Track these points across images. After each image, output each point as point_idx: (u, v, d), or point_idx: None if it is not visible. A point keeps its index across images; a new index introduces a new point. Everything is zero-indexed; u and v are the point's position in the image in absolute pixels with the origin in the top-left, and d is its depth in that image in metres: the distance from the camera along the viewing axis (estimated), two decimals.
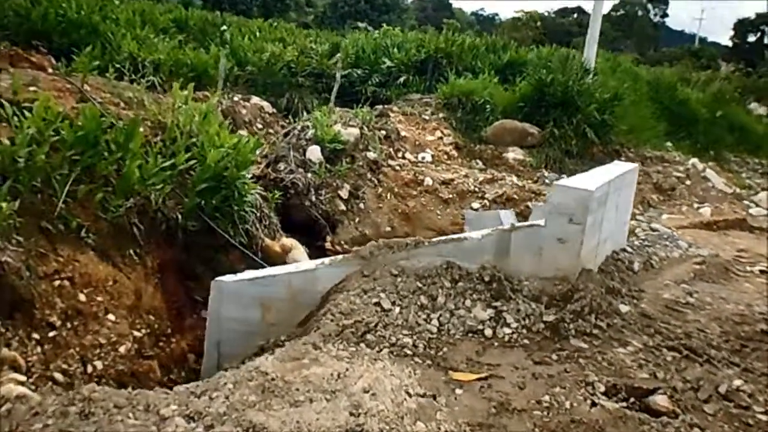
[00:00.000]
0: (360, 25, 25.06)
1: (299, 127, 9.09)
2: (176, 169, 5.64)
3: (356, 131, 9.04)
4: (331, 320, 3.51)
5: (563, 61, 12.15)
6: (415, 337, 3.51)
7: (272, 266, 6.63)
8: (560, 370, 3.33)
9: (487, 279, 3.94)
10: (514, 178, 9.78)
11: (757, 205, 9.51)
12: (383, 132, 9.90)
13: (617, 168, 5.32)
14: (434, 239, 4.07)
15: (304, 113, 13.14)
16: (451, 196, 9.13)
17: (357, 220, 8.29)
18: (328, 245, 7.84)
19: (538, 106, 11.46)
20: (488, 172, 10.11)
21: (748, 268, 5.99)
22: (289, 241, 6.83)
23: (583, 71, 11.70)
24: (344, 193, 8.34)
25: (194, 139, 6.22)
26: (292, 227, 7.58)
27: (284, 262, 6.63)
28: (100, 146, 4.96)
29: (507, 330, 3.67)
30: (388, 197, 8.77)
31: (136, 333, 4.68)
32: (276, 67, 12.83)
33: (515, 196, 9.27)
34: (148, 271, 5.22)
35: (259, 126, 10.45)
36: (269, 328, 4.05)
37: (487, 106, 11.51)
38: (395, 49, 14.84)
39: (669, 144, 13.92)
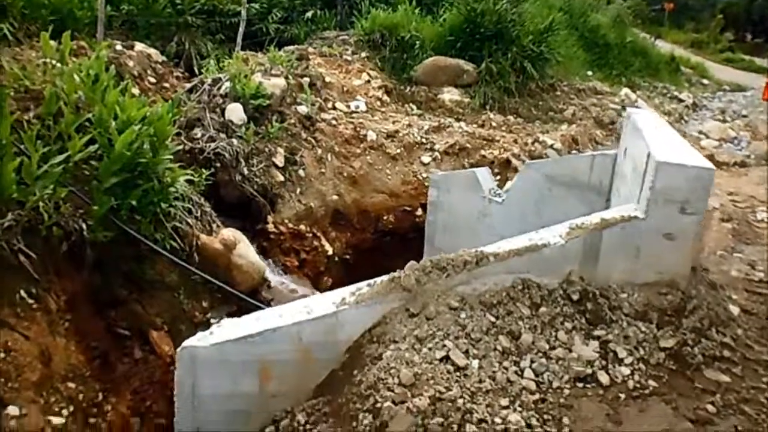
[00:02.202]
0: None
1: (209, 81, 7.31)
2: (70, 161, 3.92)
3: (281, 82, 7.43)
4: (393, 401, 2.27)
5: None
6: (518, 407, 2.39)
7: (212, 267, 5.16)
8: (728, 426, 2.39)
9: (575, 297, 2.87)
10: (463, 125, 8.72)
11: (707, 137, 9.23)
12: (307, 79, 8.32)
13: (656, 120, 4.39)
14: (500, 249, 2.88)
15: (198, 59, 11.16)
16: (398, 150, 7.92)
17: (298, 191, 6.87)
18: (270, 226, 6.39)
19: (470, 40, 10.34)
20: (432, 119, 8.94)
21: (759, 217, 5.43)
22: (230, 234, 5.34)
23: None
24: (279, 160, 6.83)
25: (86, 113, 4.46)
26: (224, 209, 6.03)
27: (230, 263, 5.19)
28: None
29: (623, 369, 2.65)
30: (330, 159, 7.39)
31: (55, 419, 3.14)
32: (158, 5, 10.53)
33: (468, 145, 8.25)
34: (53, 317, 3.61)
35: (152, 80, 8.39)
36: (271, 401, 2.75)
37: (416, 42, 10.17)
38: None
39: (590, 73, 13.51)
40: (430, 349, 2.56)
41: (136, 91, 7.11)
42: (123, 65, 7.76)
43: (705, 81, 21.07)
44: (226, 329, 2.72)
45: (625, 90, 11.80)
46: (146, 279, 4.61)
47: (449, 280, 2.80)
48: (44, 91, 4.38)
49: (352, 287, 2.87)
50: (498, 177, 7.54)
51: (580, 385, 2.59)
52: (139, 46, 9.16)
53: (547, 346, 2.67)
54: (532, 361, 2.61)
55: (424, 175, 7.82)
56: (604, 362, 2.67)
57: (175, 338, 4.75)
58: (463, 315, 2.73)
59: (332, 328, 2.72)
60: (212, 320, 5.05)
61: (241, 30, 9.63)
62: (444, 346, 2.58)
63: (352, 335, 2.77)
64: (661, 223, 2.88)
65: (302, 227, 6.62)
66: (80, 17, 8.80)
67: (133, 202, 4.20)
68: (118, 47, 8.08)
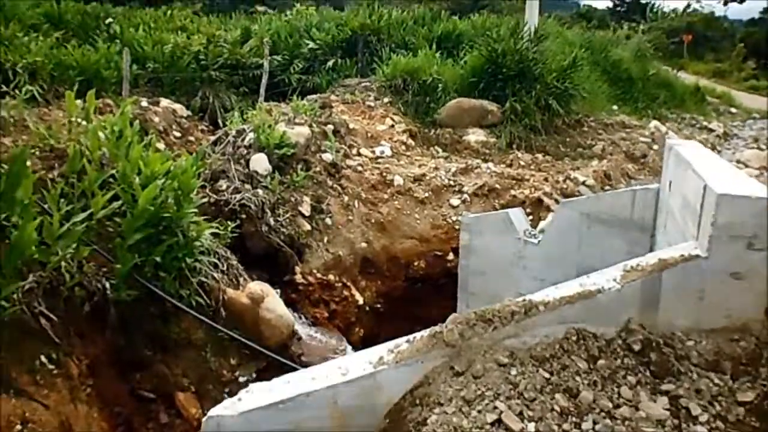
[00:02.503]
0: (259, 8, 22.80)
1: (233, 132, 7.29)
2: (93, 219, 3.82)
3: (306, 130, 7.38)
4: None
5: (513, 28, 10.99)
6: None
7: (240, 323, 4.97)
8: None
9: (637, 347, 2.59)
10: (491, 165, 8.53)
11: (747, 165, 8.89)
12: (331, 127, 8.27)
13: (702, 150, 4.14)
14: (549, 297, 2.63)
15: (222, 112, 11.31)
16: (426, 194, 7.74)
17: (326, 239, 6.70)
18: (298, 277, 6.21)
19: (493, 80, 10.27)
20: (459, 161, 8.79)
21: None
22: (257, 287, 5.16)
23: (536, 38, 10.60)
24: (306, 209, 6.70)
25: (110, 170, 4.40)
26: (250, 262, 5.88)
27: (257, 317, 4.99)
28: None
29: (699, 429, 2.33)
30: (357, 206, 7.24)
31: None
32: (182, 62, 10.76)
33: (497, 186, 8.03)
34: (75, 383, 3.43)
35: (177, 134, 8.48)
36: None
37: (438, 85, 10.14)
38: (315, 30, 13.10)
39: (615, 107, 13.30)
40: (479, 411, 2.30)
41: (161, 145, 7.14)
42: (148, 121, 7.85)
43: (733, 110, 20.64)
44: (255, 395, 2.50)
45: (654, 122, 11.54)
46: (171, 338, 4.43)
47: (496, 334, 2.55)
48: (68, 149, 4.34)
49: (390, 344, 2.64)
50: (530, 217, 7.27)
51: None
52: (165, 102, 9.31)
53: (610, 405, 2.38)
54: (594, 423, 2.32)
55: (454, 218, 7.61)
56: (676, 421, 2.37)
57: (202, 399, 4.54)
58: (513, 372, 2.47)
59: (370, 391, 2.48)
60: (240, 378, 4.83)
61: (263, 81, 9.74)
62: (495, 407, 2.31)
63: (392, 398, 2.52)
64: (726, 262, 2.60)
65: (331, 277, 6.43)
66: (107, 77, 9.01)
67: (158, 259, 4.07)
68: (144, 104, 8.20)
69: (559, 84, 10.10)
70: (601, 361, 2.55)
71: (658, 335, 2.63)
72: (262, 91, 9.89)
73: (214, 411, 2.44)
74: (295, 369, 4.87)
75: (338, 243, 6.78)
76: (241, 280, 5.16)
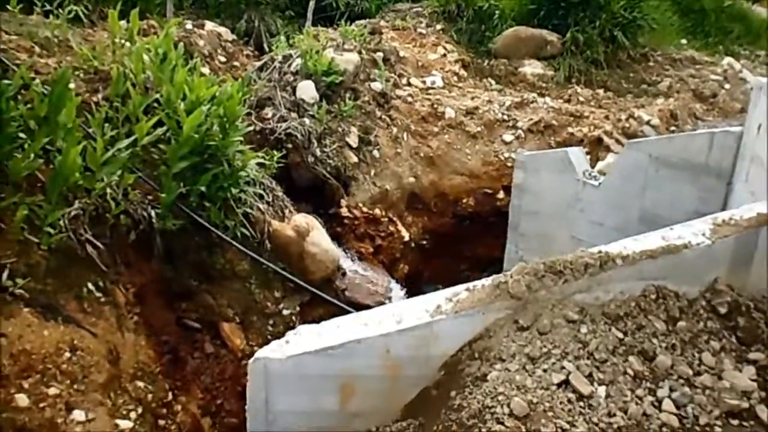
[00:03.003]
0: None
1: (279, 58, 7.00)
2: (137, 145, 3.69)
3: (355, 57, 7.02)
4: None
5: None
6: None
7: (285, 255, 4.88)
8: None
9: (723, 310, 2.34)
10: (547, 100, 8.04)
11: None
12: (380, 54, 7.87)
13: None
14: (627, 249, 2.38)
15: (268, 37, 10.94)
16: (478, 129, 7.37)
17: (373, 172, 6.49)
18: (344, 211, 6.07)
19: (554, 8, 9.54)
20: (514, 95, 8.31)
21: None
22: (302, 220, 5.04)
23: None
24: (353, 140, 6.47)
25: (155, 94, 4.23)
26: (295, 193, 5.74)
27: (303, 251, 4.88)
28: (8, 128, 2.97)
29: None
30: (406, 138, 6.95)
31: (122, 422, 2.93)
32: None
33: (553, 122, 7.58)
34: (122, 311, 3.40)
35: (222, 59, 8.23)
36: (353, 421, 2.40)
37: (495, 12, 9.49)
38: None
39: (684, 42, 12.31)
40: (545, 371, 2.12)
41: (205, 70, 6.91)
42: (193, 44, 7.59)
43: None
44: (304, 338, 2.38)
45: (728, 59, 10.62)
46: (216, 269, 4.37)
47: (566, 287, 2.33)
48: (112, 71, 4.17)
49: (448, 292, 2.45)
50: (589, 157, 6.86)
51: (735, 422, 2.08)
52: (209, 25, 9.00)
53: (689, 371, 2.17)
54: (671, 390, 2.12)
55: (507, 155, 7.27)
56: (763, 393, 2.14)
57: (246, 330, 4.53)
58: (583, 329, 2.26)
59: (425, 341, 2.32)
60: (284, 311, 4.79)
61: (311, 5, 9.29)
62: (562, 368, 2.13)
63: (449, 349, 2.36)
64: None
65: (377, 211, 6.26)
66: None
67: (203, 188, 3.94)
68: (188, 26, 7.93)
69: (627, 13, 9.31)
70: (681, 323, 2.31)
71: (747, 298, 2.37)
72: (309, 14, 9.46)
73: (261, 353, 2.34)
74: (338, 306, 4.83)
75: (385, 176, 6.57)
76: (286, 212, 5.03)
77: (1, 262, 2.80)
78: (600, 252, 2.36)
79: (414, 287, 6.06)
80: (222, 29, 9.19)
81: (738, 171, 4.33)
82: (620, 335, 2.27)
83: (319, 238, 5.06)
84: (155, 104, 4.20)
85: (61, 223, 3.18)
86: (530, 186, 6.08)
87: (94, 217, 3.47)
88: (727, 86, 9.76)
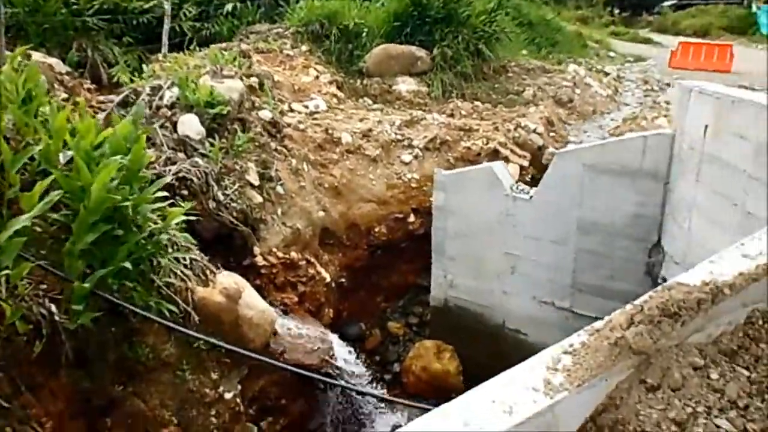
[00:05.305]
0: None
1: (147, 89, 5.95)
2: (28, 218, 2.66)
3: (238, 84, 6.21)
4: None
5: None
6: None
7: (217, 326, 3.96)
8: None
9: None
10: (436, 116, 7.89)
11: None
12: (254, 80, 7.12)
13: (738, 90, 3.79)
14: (724, 275, 2.06)
15: (106, 67, 9.54)
16: (377, 152, 6.96)
17: (280, 211, 5.74)
18: (259, 259, 5.25)
19: (419, 24, 9.54)
20: (399, 113, 8.06)
21: None
22: (229, 280, 4.20)
23: None
24: (254, 178, 5.66)
25: (26, 148, 3.19)
26: (201, 247, 4.80)
27: (237, 317, 4.05)
28: None
29: None
30: (306, 169, 6.31)
31: None
32: (50, 6, 8.79)
33: (447, 138, 7.44)
34: None
35: (63, 95, 6.84)
36: None
37: (362, 30, 9.22)
38: None
39: (524, 52, 13.16)
40: None
41: (45, 109, 5.65)
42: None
43: (612, 54, 21.66)
44: None
45: (573, 66, 11.54)
46: (141, 362, 3.39)
47: (683, 330, 1.97)
48: None
49: (545, 360, 1.94)
50: None
51: None
52: (36, 56, 7.50)
53: None
54: None
55: (409, 176, 6.95)
56: None
57: (187, 430, 3.59)
58: (714, 375, 1.92)
59: (546, 430, 1.79)
60: (226, 395, 3.91)
61: (166, 27, 8.21)
62: (718, 427, 1.75)
63: (570, 429, 1.86)
64: None
65: (293, 254, 5.53)
66: None
67: (127, 264, 2.98)
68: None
69: (487, 27, 9.60)
70: None
71: None
72: (164, 38, 8.33)
73: None
74: (289, 371, 4.06)
75: (294, 214, 5.86)
76: (209, 275, 4.13)
77: None
78: (709, 284, 2.04)
79: (335, 330, 5.44)
80: (52, 60, 7.68)
81: (678, 172, 4.40)
82: (746, 372, 1.96)
83: (253, 299, 4.26)
84: (30, 162, 3.15)
85: None
86: (453, 206, 5.80)
87: None
88: (578, 91, 10.51)
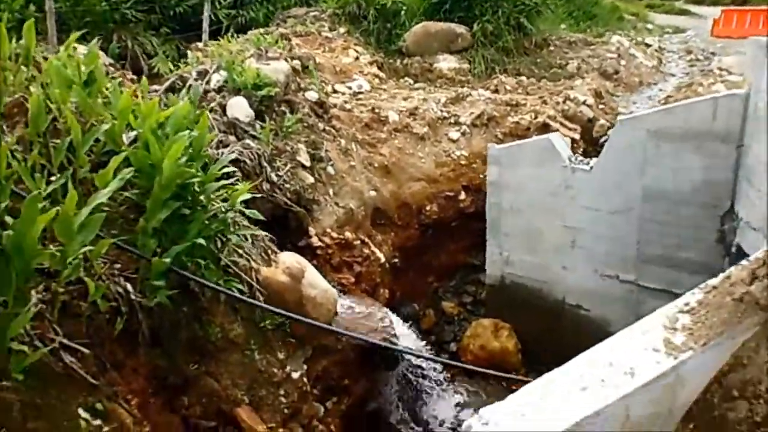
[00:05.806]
0: None
1: (193, 75, 5.93)
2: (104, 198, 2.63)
3: (284, 66, 6.15)
4: None
5: None
6: None
7: (281, 305, 3.93)
8: None
9: None
10: (482, 92, 7.71)
11: (730, 72, 8.65)
12: (297, 62, 7.05)
13: None
14: None
15: (145, 58, 9.63)
16: (424, 129, 6.83)
17: (332, 192, 5.68)
18: (314, 240, 5.20)
19: (457, 0, 9.31)
20: (443, 91, 7.91)
21: None
22: (292, 260, 4.16)
23: None
24: (305, 159, 5.61)
25: (101, 127, 3.18)
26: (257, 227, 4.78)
27: (301, 296, 4.00)
28: None
29: None
30: (355, 149, 6.23)
31: None
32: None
33: (495, 114, 7.26)
34: None
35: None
36: None
37: (400, 9, 9.06)
38: None
39: (563, 26, 12.81)
40: None
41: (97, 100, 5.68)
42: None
43: (649, 26, 20.96)
44: (506, 420, 1.61)
45: (616, 37, 11.18)
46: (212, 342, 3.37)
47: None
48: (30, 101, 3.02)
49: (654, 321, 1.81)
50: None
51: None
52: (82, 48, 7.59)
53: None
54: None
55: (458, 153, 6.81)
56: None
57: (259, 410, 3.57)
58: None
59: (671, 391, 1.68)
60: (293, 374, 3.88)
61: (206, 15, 8.19)
62: None
63: (691, 395, 1.74)
64: None
65: (348, 235, 5.47)
66: None
67: (201, 241, 2.95)
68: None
69: (528, 0, 9.33)
70: None
71: None
72: (205, 25, 8.36)
73: None
74: (369, 343, 4.09)
75: (346, 194, 5.79)
76: (271, 255, 4.09)
77: None
78: None
79: (391, 311, 5.37)
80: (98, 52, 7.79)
81: (753, 133, 4.16)
82: None
83: (315, 278, 4.20)
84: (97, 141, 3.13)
85: (22, 331, 2.10)
86: (508, 181, 5.65)
87: (61, 311, 2.39)
88: (623, 63, 10.17)
